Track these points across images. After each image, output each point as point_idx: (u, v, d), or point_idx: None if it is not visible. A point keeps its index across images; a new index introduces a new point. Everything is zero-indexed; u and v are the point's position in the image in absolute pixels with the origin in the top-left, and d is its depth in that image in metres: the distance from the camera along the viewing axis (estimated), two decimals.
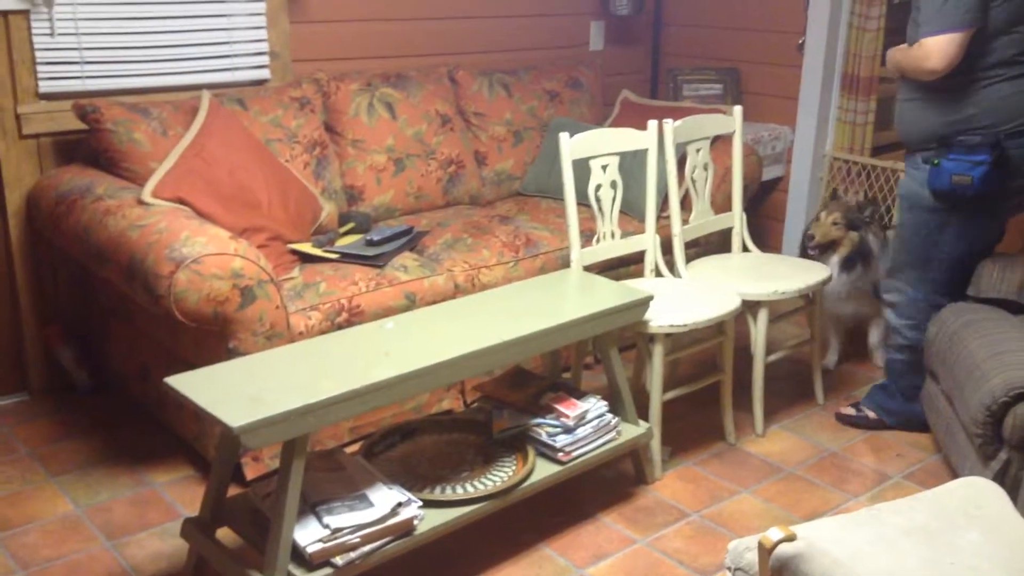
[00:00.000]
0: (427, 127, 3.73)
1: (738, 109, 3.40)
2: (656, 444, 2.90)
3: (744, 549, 1.76)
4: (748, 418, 3.22)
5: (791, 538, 1.62)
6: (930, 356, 2.98)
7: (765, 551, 1.62)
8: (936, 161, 2.78)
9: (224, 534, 2.34)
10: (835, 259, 3.48)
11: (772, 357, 3.23)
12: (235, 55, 3.52)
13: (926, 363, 3.01)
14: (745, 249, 3.44)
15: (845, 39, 4.17)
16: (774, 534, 1.63)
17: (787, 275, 3.18)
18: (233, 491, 2.41)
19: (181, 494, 2.78)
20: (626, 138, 3.14)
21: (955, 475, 2.78)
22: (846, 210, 3.54)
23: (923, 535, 1.79)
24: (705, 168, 3.32)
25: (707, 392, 3.12)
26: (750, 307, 3.13)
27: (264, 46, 3.58)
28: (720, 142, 3.60)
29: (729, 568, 1.81)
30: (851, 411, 3.26)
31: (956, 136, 2.75)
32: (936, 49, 2.61)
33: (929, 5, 2.63)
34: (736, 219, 3.42)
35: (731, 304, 2.94)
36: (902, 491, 2.85)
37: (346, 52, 3.80)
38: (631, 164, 3.45)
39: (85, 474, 2.87)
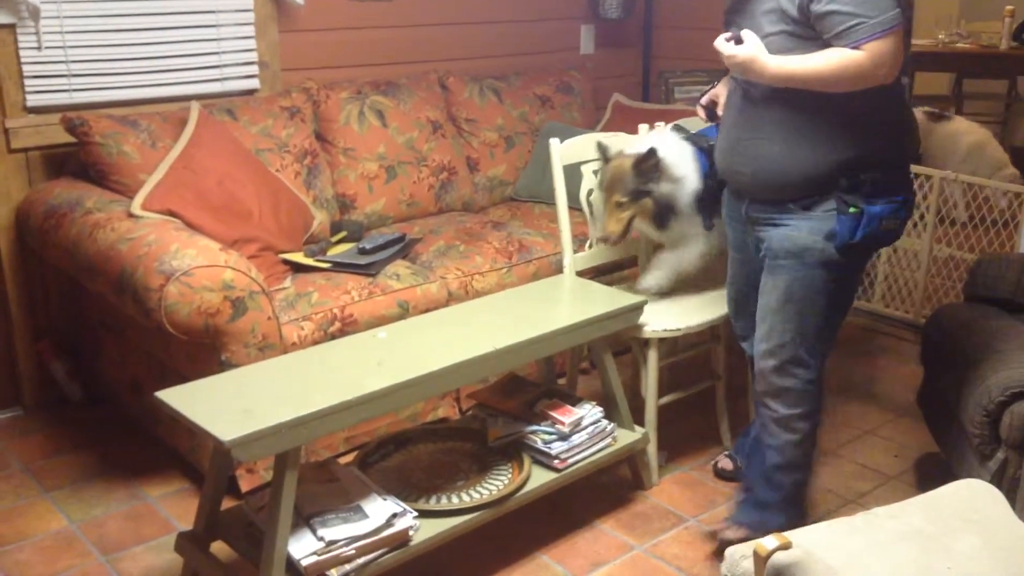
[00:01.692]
0: (418, 134, 3.72)
1: None
2: (652, 449, 2.89)
3: (740, 556, 1.75)
4: (744, 422, 3.19)
5: (786, 546, 1.61)
6: (929, 355, 2.97)
7: (761, 559, 1.61)
8: (856, 208, 2.26)
9: (219, 548, 2.33)
10: (644, 227, 2.94)
11: None
12: (224, 65, 3.50)
13: (924, 361, 3.00)
14: None
15: None
16: (769, 542, 1.62)
17: None
18: (228, 503, 2.40)
19: (175, 508, 2.76)
20: (617, 142, 3.13)
21: (953, 475, 2.77)
22: (622, 181, 2.82)
23: (920, 539, 1.78)
24: None
25: (702, 396, 3.11)
26: None
27: (253, 56, 3.56)
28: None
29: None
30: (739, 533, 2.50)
31: (857, 174, 2.26)
32: (889, 53, 2.11)
33: (854, 3, 2.10)
34: None
35: (724, 308, 2.93)
36: (900, 492, 2.84)
37: (336, 60, 3.79)
38: None
39: (79, 489, 2.86)
